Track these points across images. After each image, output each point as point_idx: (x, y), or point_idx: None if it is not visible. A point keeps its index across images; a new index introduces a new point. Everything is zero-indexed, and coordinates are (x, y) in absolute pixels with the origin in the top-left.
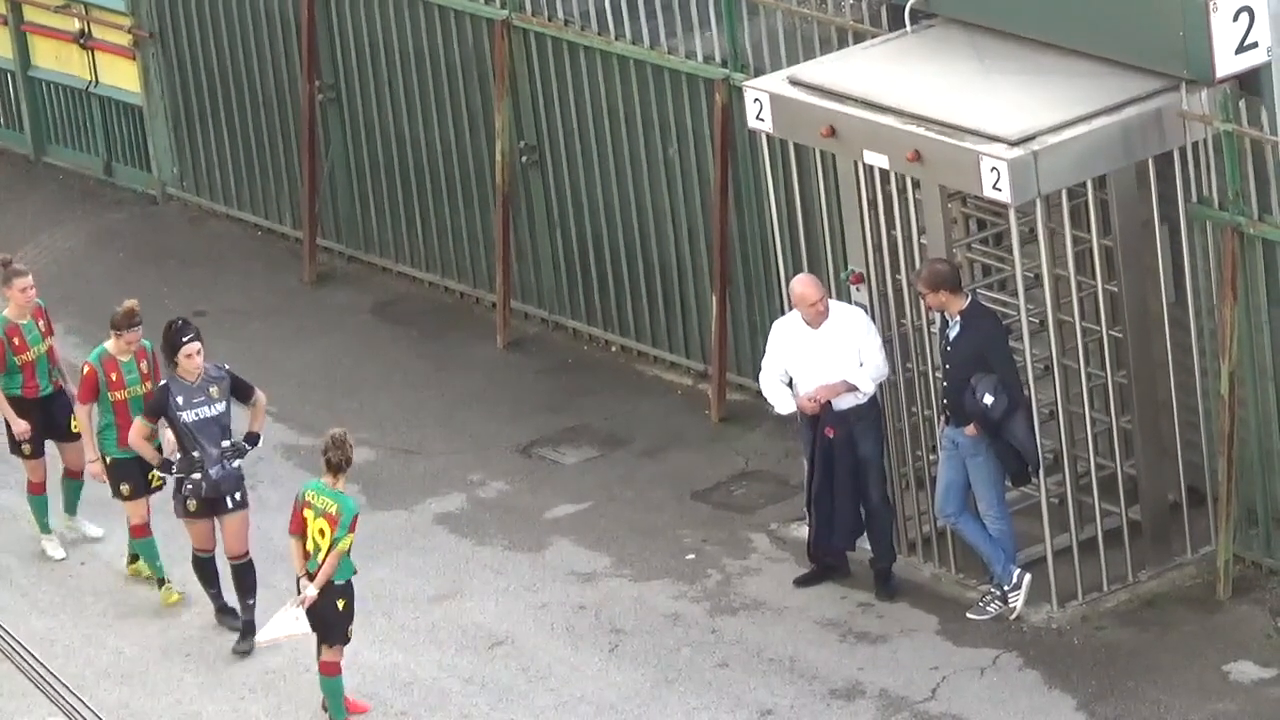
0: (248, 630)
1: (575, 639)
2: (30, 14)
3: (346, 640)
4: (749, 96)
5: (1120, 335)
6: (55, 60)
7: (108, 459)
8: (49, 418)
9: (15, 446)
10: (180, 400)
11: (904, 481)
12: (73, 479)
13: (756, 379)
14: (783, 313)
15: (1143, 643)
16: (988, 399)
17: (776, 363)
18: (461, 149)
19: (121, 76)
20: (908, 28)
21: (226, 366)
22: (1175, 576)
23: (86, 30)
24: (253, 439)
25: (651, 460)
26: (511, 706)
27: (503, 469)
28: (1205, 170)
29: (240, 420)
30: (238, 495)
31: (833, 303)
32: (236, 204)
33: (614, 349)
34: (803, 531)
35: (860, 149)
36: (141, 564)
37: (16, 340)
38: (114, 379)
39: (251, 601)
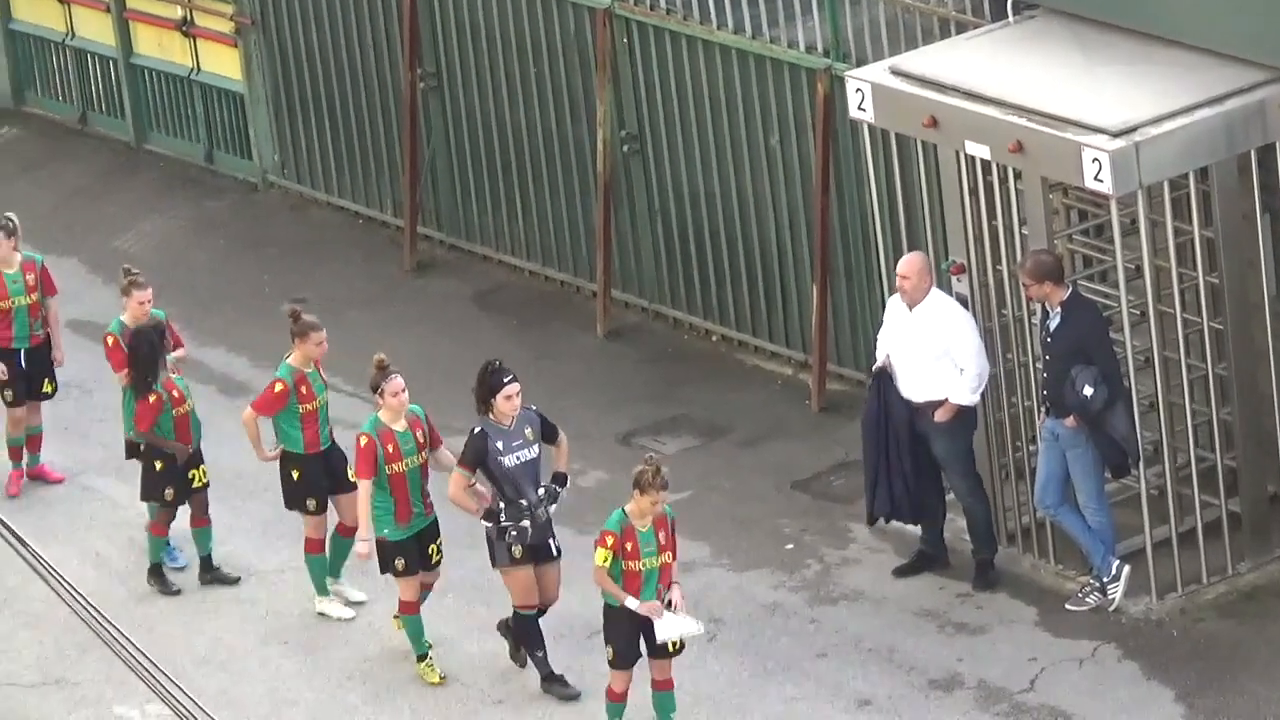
0: (551, 675)
1: None
2: (133, 2)
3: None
4: (851, 86)
5: (1221, 327)
6: (157, 48)
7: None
8: (329, 467)
9: (298, 501)
10: (500, 445)
11: (1004, 473)
12: (343, 537)
13: (857, 368)
14: (883, 303)
15: (1241, 635)
16: (1088, 390)
17: (884, 335)
18: (563, 137)
19: (223, 64)
20: (1010, 18)
21: (535, 407)
22: (1274, 569)
23: (189, 18)
24: (561, 479)
25: (751, 450)
26: None
27: (603, 458)
28: None
29: None
30: (555, 541)
31: (939, 295)
32: (337, 192)
33: (714, 338)
34: (902, 524)
35: (962, 139)
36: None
37: (304, 389)
38: (390, 450)
39: (541, 654)
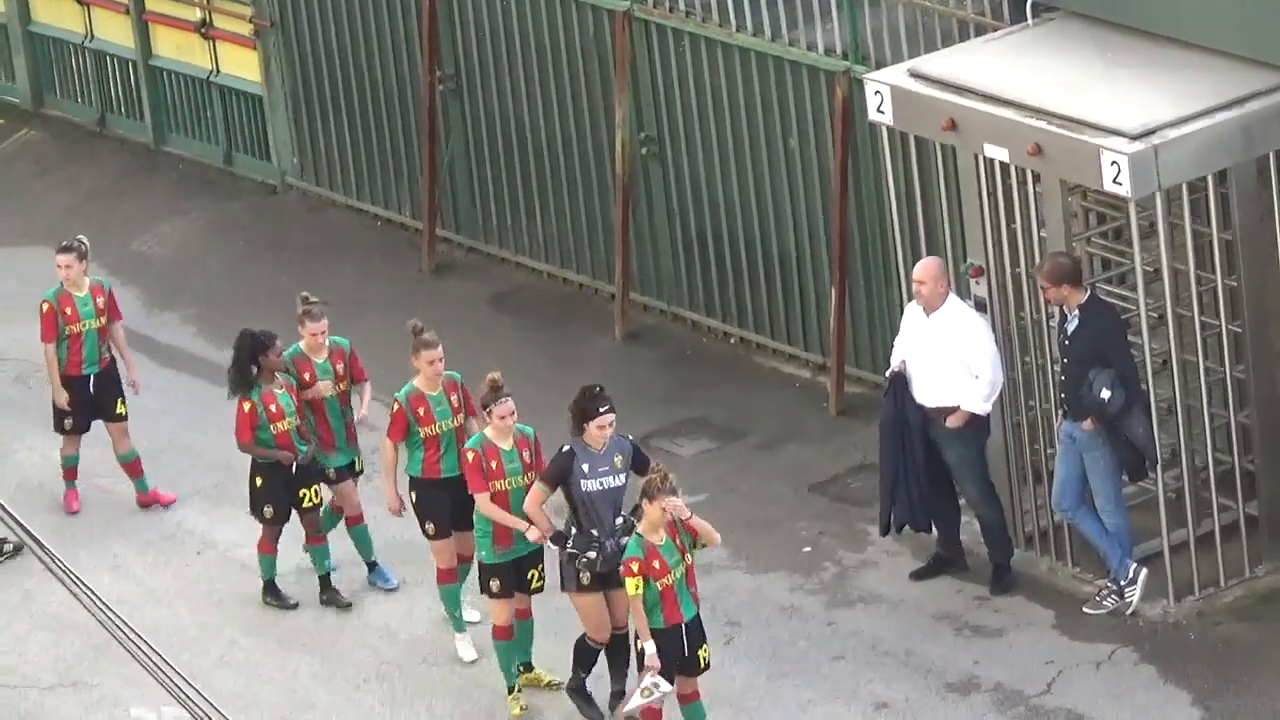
0: (618, 697)
1: None
2: (152, 3)
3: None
4: (870, 89)
5: (1240, 329)
6: (176, 49)
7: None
8: (455, 497)
9: (420, 525)
10: (585, 468)
11: (1021, 475)
12: (462, 562)
13: (875, 371)
14: (901, 305)
15: (1259, 638)
16: (1105, 393)
17: (901, 340)
18: (582, 140)
19: (242, 66)
20: (1029, 21)
21: (630, 437)
22: None
23: (208, 20)
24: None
25: (769, 452)
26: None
27: None
28: None
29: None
30: None
31: (956, 302)
32: (356, 194)
33: (732, 340)
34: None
35: (981, 142)
36: (539, 673)
37: (422, 411)
38: (494, 467)
39: (584, 675)
